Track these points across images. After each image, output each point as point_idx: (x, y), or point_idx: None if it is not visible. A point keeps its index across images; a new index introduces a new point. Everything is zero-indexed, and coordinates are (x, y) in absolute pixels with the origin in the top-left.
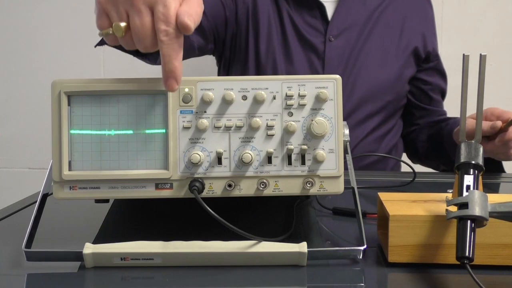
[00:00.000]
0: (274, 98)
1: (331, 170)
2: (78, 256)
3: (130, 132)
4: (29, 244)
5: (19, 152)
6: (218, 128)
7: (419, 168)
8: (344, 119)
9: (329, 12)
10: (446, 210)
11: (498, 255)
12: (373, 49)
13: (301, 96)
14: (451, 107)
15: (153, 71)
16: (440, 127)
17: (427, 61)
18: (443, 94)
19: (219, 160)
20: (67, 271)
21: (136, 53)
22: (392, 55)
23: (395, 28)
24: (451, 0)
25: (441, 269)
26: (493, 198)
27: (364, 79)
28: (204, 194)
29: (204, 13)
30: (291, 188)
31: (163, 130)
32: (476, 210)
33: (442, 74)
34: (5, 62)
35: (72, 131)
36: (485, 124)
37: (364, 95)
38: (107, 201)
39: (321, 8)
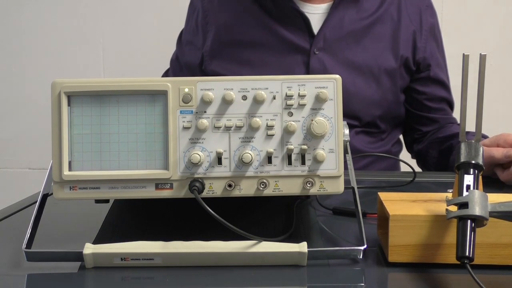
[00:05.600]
0: (274, 98)
1: (331, 170)
2: (78, 256)
3: (130, 132)
4: (29, 244)
5: (19, 152)
6: (218, 128)
7: (419, 168)
8: None
9: (317, 24)
10: (446, 209)
11: (498, 255)
12: (360, 63)
13: (301, 96)
14: None
15: (153, 71)
16: (451, 144)
17: (418, 72)
18: (448, 102)
19: (219, 160)
20: (67, 272)
21: None
22: (381, 69)
23: (386, 41)
24: (451, 0)
25: (441, 269)
26: (493, 197)
27: (349, 94)
28: (204, 194)
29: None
30: (291, 188)
31: (163, 130)
32: (476, 209)
33: (439, 83)
34: (5, 62)
35: (72, 131)
36: (498, 152)
37: (349, 110)
38: (107, 201)
39: (306, 21)
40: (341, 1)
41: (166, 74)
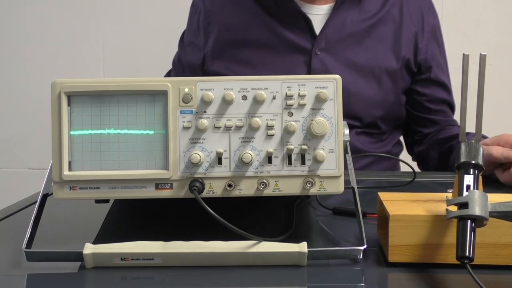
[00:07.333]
0: (274, 98)
1: (331, 170)
2: (78, 256)
3: (130, 132)
4: (29, 244)
5: (19, 153)
6: (218, 128)
7: (419, 168)
8: None
9: (319, 25)
10: (446, 209)
11: (498, 255)
12: (361, 63)
13: (301, 96)
14: None
15: (153, 71)
16: (451, 145)
17: (419, 73)
18: (448, 104)
19: (219, 160)
20: (67, 272)
21: None
22: (382, 70)
23: (387, 42)
24: (451, 0)
25: (441, 269)
26: (493, 197)
27: (350, 94)
28: (204, 194)
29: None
30: (291, 188)
31: (163, 130)
32: (476, 209)
33: (440, 85)
34: (5, 62)
35: (72, 131)
36: (498, 151)
37: (350, 110)
38: (107, 201)
39: (308, 22)
40: (343, 2)
41: (169, 75)
